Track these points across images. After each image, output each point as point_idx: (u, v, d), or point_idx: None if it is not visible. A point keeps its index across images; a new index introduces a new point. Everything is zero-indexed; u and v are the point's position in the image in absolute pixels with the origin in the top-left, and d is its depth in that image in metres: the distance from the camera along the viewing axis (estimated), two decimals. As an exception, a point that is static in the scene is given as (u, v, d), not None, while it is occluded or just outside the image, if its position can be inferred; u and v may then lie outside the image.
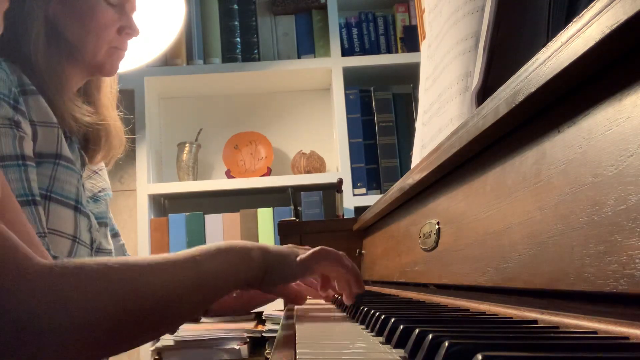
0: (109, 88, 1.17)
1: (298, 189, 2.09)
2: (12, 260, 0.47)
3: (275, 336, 0.68)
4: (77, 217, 0.99)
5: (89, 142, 1.12)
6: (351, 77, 2.15)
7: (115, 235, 1.23)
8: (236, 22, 2.16)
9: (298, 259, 0.73)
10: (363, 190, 2.05)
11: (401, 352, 0.42)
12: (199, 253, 0.60)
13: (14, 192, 0.88)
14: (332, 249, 0.79)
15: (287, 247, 0.76)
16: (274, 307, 1.52)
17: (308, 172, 2.11)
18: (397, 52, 2.19)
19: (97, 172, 1.18)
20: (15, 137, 0.90)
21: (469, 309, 0.62)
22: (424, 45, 1.13)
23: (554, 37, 0.42)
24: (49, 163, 0.96)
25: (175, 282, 0.56)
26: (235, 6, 2.17)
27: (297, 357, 0.42)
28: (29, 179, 0.91)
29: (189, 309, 0.59)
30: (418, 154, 1.06)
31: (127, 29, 1.07)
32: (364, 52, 2.18)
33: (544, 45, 0.44)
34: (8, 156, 0.89)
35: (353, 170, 2.06)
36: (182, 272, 0.57)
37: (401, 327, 0.43)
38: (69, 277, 0.48)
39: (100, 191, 1.16)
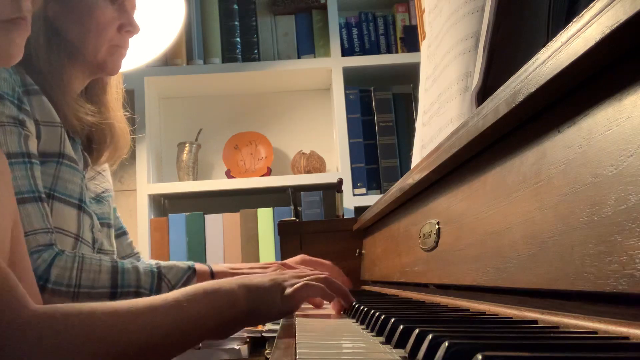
0: (114, 89, 1.17)
1: (298, 189, 2.09)
2: (7, 304, 0.49)
3: (275, 336, 0.68)
4: (81, 216, 0.99)
5: (92, 142, 1.12)
6: (351, 77, 2.15)
7: (123, 233, 1.23)
8: (236, 22, 2.16)
9: (285, 293, 0.71)
10: (363, 190, 2.05)
11: (401, 352, 0.42)
12: (184, 297, 0.61)
13: (20, 189, 0.89)
14: (315, 284, 0.75)
15: (271, 280, 0.72)
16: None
17: (308, 172, 2.11)
18: (397, 52, 2.18)
19: (100, 173, 1.18)
20: (21, 135, 0.91)
21: (469, 309, 0.63)
22: (424, 45, 1.13)
23: (554, 37, 0.42)
24: (52, 162, 0.97)
25: (158, 328, 0.57)
26: (235, 6, 2.17)
27: (297, 357, 0.42)
28: (35, 176, 0.91)
29: (175, 351, 0.60)
30: (418, 154, 1.06)
31: (127, 27, 1.07)
32: (364, 52, 2.18)
33: (544, 45, 0.44)
34: (14, 153, 0.89)
35: (353, 170, 2.05)
36: (165, 319, 0.58)
37: (401, 327, 0.43)
38: (57, 327, 0.51)
39: (103, 192, 1.16)
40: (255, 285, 0.68)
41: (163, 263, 1.02)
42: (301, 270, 1.07)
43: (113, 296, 0.92)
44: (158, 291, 0.95)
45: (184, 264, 1.02)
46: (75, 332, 0.51)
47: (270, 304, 0.69)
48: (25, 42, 0.98)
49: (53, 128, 0.97)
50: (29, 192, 0.89)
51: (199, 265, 1.03)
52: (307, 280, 0.75)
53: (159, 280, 0.96)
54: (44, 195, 0.92)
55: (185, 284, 0.97)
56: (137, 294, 0.92)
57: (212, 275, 1.02)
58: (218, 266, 1.07)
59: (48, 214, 0.92)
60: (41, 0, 0.98)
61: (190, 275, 1.00)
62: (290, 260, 1.15)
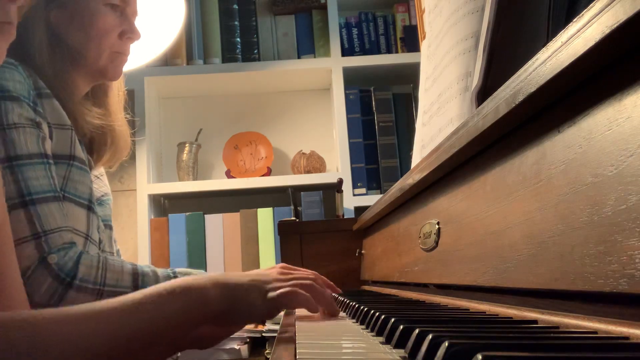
0: (116, 92, 1.18)
1: (298, 189, 2.09)
2: None
3: (275, 336, 0.67)
4: (90, 216, 1.01)
5: (93, 145, 1.13)
6: (351, 77, 2.15)
7: (110, 228, 1.24)
8: (236, 22, 2.16)
9: (268, 296, 0.66)
10: (363, 190, 2.05)
11: (401, 352, 0.42)
12: (149, 298, 0.55)
13: (43, 188, 0.90)
14: (302, 292, 0.69)
15: (251, 280, 0.66)
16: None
17: (308, 172, 2.10)
18: (397, 52, 2.18)
19: (98, 177, 1.20)
20: (39, 136, 0.93)
21: (469, 309, 0.62)
22: (424, 45, 1.13)
23: (554, 37, 0.42)
24: (63, 164, 0.98)
25: (118, 334, 0.51)
26: (235, 6, 2.17)
27: (297, 357, 0.42)
28: (53, 176, 0.94)
29: (143, 356, 0.54)
30: (418, 154, 1.06)
31: (128, 34, 1.08)
32: (364, 52, 2.18)
33: (544, 45, 0.44)
34: (35, 154, 0.92)
35: (353, 170, 2.05)
36: (126, 322, 0.52)
37: (401, 327, 0.43)
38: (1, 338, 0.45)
39: (103, 195, 1.18)
40: (232, 283, 0.63)
41: (178, 269, 1.05)
42: (286, 271, 1.07)
43: None
44: None
45: (197, 271, 1.06)
46: (15, 344, 0.46)
47: (250, 304, 0.64)
48: (30, 47, 0.99)
49: (64, 131, 0.99)
50: (51, 192, 0.92)
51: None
52: (292, 284, 0.70)
53: None
54: (61, 195, 0.94)
55: None
56: None
57: None
58: None
59: (67, 213, 0.94)
60: (40, 12, 0.99)
61: None
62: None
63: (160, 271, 0.99)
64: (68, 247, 0.91)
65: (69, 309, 0.51)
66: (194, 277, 0.62)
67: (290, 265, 1.15)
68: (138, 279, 0.95)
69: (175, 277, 0.99)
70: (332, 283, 1.15)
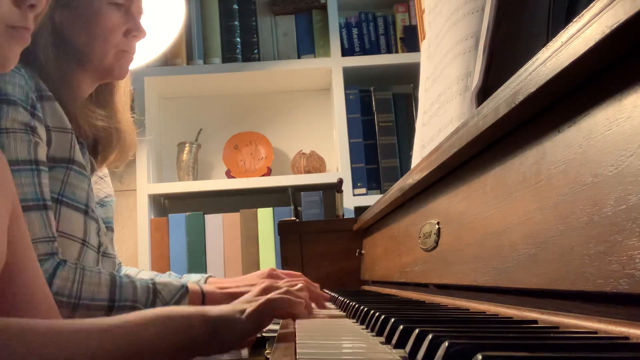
0: (122, 91, 1.17)
1: (298, 189, 2.09)
2: None
3: (275, 336, 0.67)
4: (87, 221, 1.00)
5: (98, 146, 1.13)
6: (351, 77, 2.15)
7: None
8: (236, 22, 2.16)
9: (245, 314, 0.66)
10: (363, 190, 2.05)
11: (401, 352, 0.42)
12: (135, 319, 0.57)
13: (25, 196, 0.89)
14: (279, 296, 0.72)
15: (230, 305, 0.69)
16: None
17: (308, 172, 2.10)
18: (397, 52, 2.18)
19: (102, 178, 1.19)
20: (31, 142, 0.92)
21: (469, 309, 0.63)
22: (424, 45, 1.13)
23: (554, 37, 0.42)
24: (62, 167, 0.97)
25: (102, 352, 0.52)
26: (235, 6, 2.17)
27: (297, 357, 0.42)
28: (41, 183, 0.92)
29: None
30: (418, 154, 1.06)
31: (133, 32, 1.07)
32: (364, 52, 2.18)
33: (544, 45, 0.44)
34: (22, 160, 0.90)
35: (353, 170, 2.05)
36: (111, 341, 0.54)
37: (401, 327, 0.43)
38: None
39: (106, 197, 1.17)
40: (211, 312, 0.65)
41: (158, 279, 1.02)
42: (275, 274, 1.08)
43: (110, 309, 0.92)
44: (152, 307, 0.95)
45: (177, 281, 1.03)
46: (12, 350, 0.48)
47: (232, 323, 0.65)
48: (34, 48, 0.99)
49: (64, 134, 0.98)
50: (33, 200, 0.90)
51: (191, 285, 1.04)
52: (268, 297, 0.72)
53: (154, 297, 0.96)
54: (49, 203, 0.93)
55: (177, 303, 0.97)
56: (134, 309, 0.92)
57: (203, 295, 1.02)
58: (207, 286, 1.07)
59: (51, 222, 0.92)
60: (44, 13, 0.99)
61: (183, 293, 1.00)
62: (257, 274, 1.15)
63: (139, 282, 0.96)
64: (44, 259, 0.89)
65: (64, 322, 0.53)
66: (180, 307, 0.63)
67: (277, 269, 1.16)
68: (115, 291, 0.93)
69: (154, 287, 0.97)
70: (321, 293, 1.15)
